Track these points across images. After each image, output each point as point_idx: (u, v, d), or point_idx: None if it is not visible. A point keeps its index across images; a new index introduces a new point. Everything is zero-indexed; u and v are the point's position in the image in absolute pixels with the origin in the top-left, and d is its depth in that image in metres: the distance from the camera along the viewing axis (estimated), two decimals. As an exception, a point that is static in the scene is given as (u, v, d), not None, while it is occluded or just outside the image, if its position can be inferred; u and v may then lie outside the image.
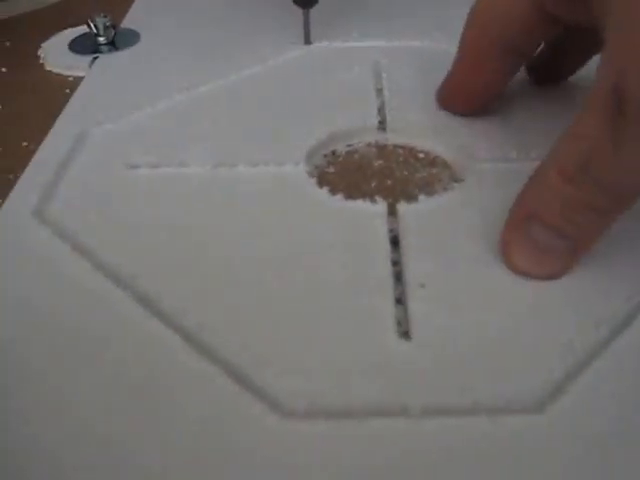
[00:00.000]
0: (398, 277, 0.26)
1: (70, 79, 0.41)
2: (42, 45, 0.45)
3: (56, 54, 0.44)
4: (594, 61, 0.34)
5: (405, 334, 0.24)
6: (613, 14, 0.24)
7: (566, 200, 0.25)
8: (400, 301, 0.25)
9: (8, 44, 0.46)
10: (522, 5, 0.31)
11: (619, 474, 0.20)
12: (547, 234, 0.26)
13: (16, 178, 0.32)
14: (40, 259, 0.27)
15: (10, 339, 0.24)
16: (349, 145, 0.34)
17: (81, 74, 0.41)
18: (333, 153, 0.34)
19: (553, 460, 0.20)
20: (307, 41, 0.43)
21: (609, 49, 0.24)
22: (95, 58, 0.42)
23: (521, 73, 0.36)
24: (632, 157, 0.23)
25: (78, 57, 0.43)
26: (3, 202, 0.30)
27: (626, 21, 0.23)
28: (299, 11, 0.42)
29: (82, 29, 0.45)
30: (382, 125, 0.35)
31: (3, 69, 0.43)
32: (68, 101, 0.38)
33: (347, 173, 0.32)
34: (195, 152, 0.33)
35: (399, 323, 0.25)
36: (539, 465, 0.20)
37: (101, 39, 0.44)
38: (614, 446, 0.21)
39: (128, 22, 0.47)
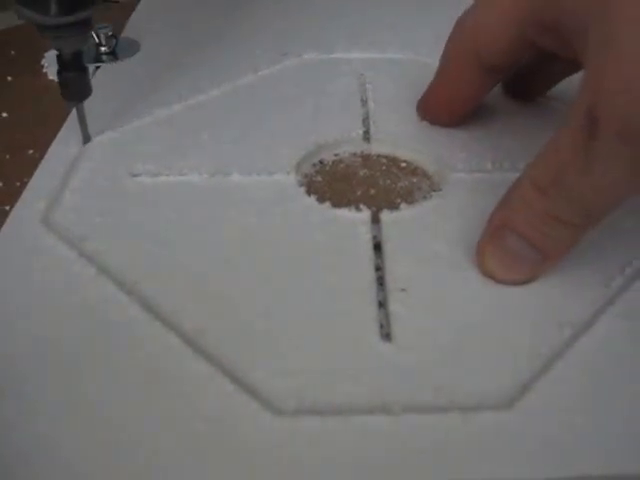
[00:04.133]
0: (380, 281, 0.27)
1: (73, 87, 0.41)
2: (45, 54, 0.45)
3: (59, 63, 0.44)
4: (568, 80, 0.35)
5: (387, 336, 0.25)
6: (591, 45, 0.25)
7: (538, 212, 0.26)
8: (382, 304, 0.26)
9: (13, 53, 0.47)
10: (507, 30, 0.31)
11: (580, 464, 0.21)
12: (519, 243, 0.27)
13: (23, 185, 0.33)
14: (47, 264, 0.28)
15: (17, 341, 0.25)
16: (336, 155, 0.35)
17: (84, 83, 0.42)
18: (321, 162, 0.35)
19: (520, 452, 0.21)
20: (86, 139, 0.35)
21: (587, 74, 0.25)
22: (97, 67, 0.43)
23: (498, 87, 0.37)
24: (602, 177, 0.24)
25: (80, 66, 0.43)
26: (11, 208, 0.31)
27: (602, 51, 0.24)
28: (292, 22, 0.42)
29: (84, 38, 0.46)
30: (367, 135, 0.36)
31: (8, 78, 0.43)
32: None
33: (334, 182, 0.33)
34: (192, 161, 0.33)
35: (381, 325, 0.26)
36: (507, 457, 0.21)
37: (103, 49, 0.44)
38: (576, 439, 0.22)
39: (128, 32, 0.47)
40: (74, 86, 0.33)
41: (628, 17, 0.23)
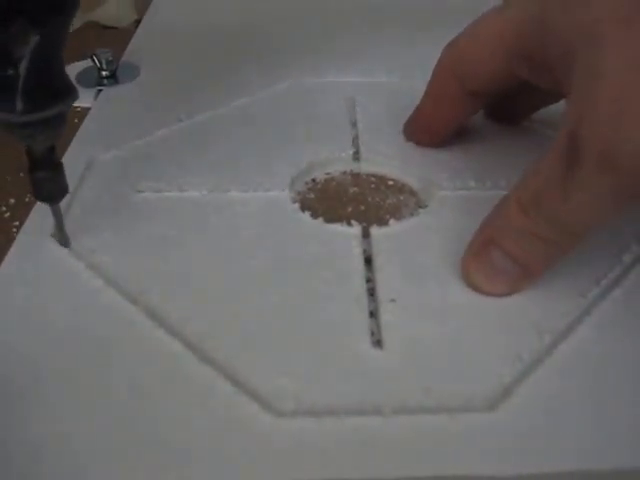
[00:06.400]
0: (371, 292, 0.28)
1: (78, 109, 0.42)
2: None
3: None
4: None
5: (378, 343, 0.26)
6: (577, 72, 0.25)
7: (519, 229, 0.27)
8: (373, 314, 0.27)
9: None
10: (491, 59, 0.32)
11: (558, 460, 0.22)
12: (502, 258, 0.27)
13: (32, 200, 0.33)
14: (57, 276, 0.28)
15: (30, 347, 0.26)
16: (327, 173, 0.36)
17: (87, 105, 0.42)
18: (313, 180, 0.35)
19: (503, 450, 0.22)
20: (65, 243, 0.30)
21: (571, 101, 0.26)
22: (99, 90, 0.44)
23: (481, 110, 0.38)
24: (579, 200, 0.25)
25: (84, 89, 0.44)
26: (22, 223, 0.32)
27: (587, 79, 0.25)
28: (286, 48, 0.42)
29: (86, 63, 0.46)
30: (356, 155, 0.37)
31: (16, 99, 0.44)
32: (77, 130, 0.39)
33: (326, 199, 0.34)
34: (193, 178, 0.34)
35: (372, 333, 0.26)
36: (491, 454, 0.22)
37: (104, 73, 0.45)
38: (554, 438, 0.23)
39: (128, 56, 0.48)
40: (48, 187, 0.28)
41: (614, 46, 0.24)
